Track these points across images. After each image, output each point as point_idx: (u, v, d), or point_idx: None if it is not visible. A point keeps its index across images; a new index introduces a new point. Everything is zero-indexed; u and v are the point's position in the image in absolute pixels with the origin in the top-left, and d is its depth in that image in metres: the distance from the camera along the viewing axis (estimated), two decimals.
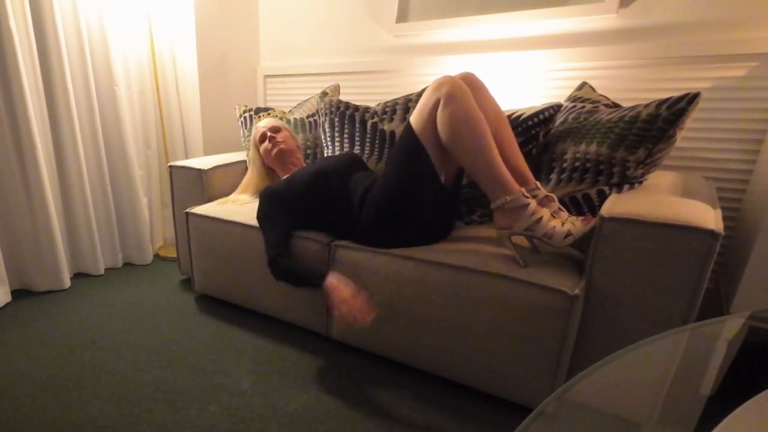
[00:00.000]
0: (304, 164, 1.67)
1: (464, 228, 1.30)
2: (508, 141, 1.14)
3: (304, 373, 1.25)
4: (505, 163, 1.07)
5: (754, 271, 1.12)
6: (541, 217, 1.01)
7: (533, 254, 1.12)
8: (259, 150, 1.61)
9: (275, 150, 1.55)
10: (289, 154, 1.59)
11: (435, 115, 1.09)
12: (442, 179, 1.16)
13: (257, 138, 1.61)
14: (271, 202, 1.36)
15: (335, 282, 1.12)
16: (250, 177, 1.68)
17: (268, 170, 1.65)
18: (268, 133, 1.58)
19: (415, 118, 1.14)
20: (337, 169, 1.37)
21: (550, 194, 1.09)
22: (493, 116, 1.13)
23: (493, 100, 1.18)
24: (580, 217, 1.04)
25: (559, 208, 1.07)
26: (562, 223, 1.01)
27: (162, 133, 2.09)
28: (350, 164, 1.45)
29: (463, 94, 1.06)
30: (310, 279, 1.17)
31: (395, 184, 1.16)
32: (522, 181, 1.10)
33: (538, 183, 1.10)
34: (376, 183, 1.24)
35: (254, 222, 1.44)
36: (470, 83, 1.16)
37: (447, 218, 1.25)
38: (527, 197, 1.03)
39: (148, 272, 1.96)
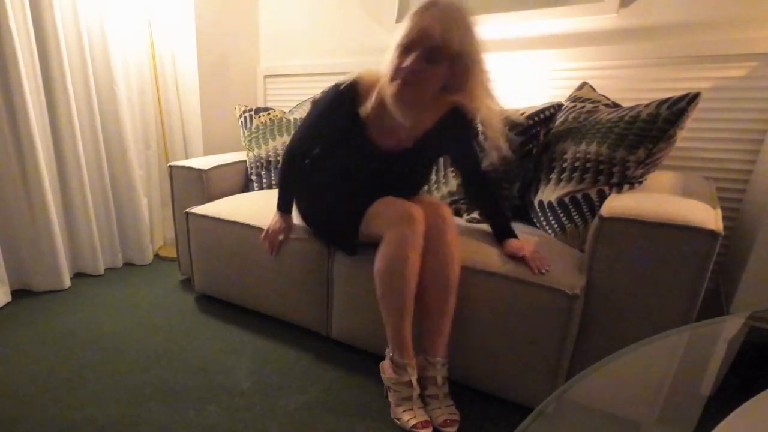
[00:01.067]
0: (436, 113, 1.12)
1: (464, 227, 1.30)
2: (440, 307, 1.05)
3: (304, 373, 1.25)
4: (424, 322, 1.07)
5: (754, 271, 1.12)
6: (395, 406, 1.06)
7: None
8: (394, 55, 1.00)
9: (403, 87, 0.98)
10: (415, 95, 1.00)
11: (380, 227, 1.05)
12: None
13: (402, 40, 0.96)
14: (336, 106, 1.11)
15: (273, 217, 1.34)
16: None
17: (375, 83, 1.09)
18: (419, 51, 0.94)
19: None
20: (383, 182, 1.17)
21: (442, 378, 1.06)
22: (441, 273, 1.04)
23: (452, 253, 1.05)
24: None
25: (441, 395, 1.05)
26: (408, 420, 1.01)
27: (162, 133, 2.09)
28: (403, 184, 1.20)
29: (404, 254, 1.00)
30: (278, 201, 1.33)
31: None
32: (428, 345, 1.06)
33: (440, 360, 1.05)
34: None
35: (254, 222, 1.44)
36: (435, 222, 1.05)
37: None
38: (407, 374, 1.04)
39: (148, 272, 1.96)
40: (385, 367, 1.11)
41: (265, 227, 1.39)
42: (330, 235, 1.27)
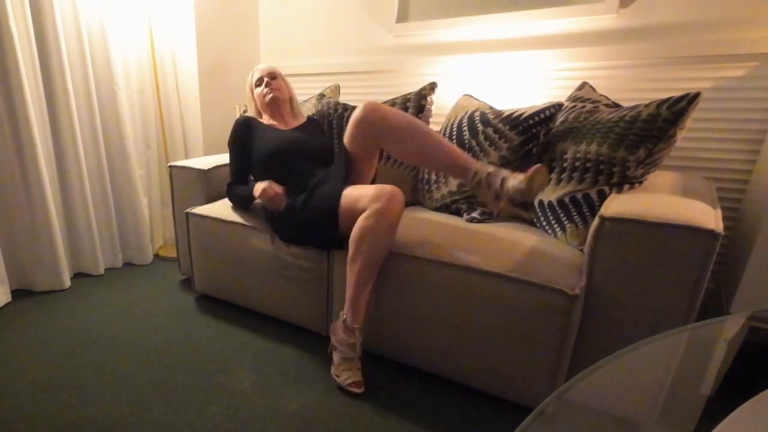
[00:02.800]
0: (302, 116, 1.68)
1: (464, 227, 1.30)
2: (440, 142, 1.18)
3: (304, 373, 1.25)
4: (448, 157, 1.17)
5: (754, 271, 1.13)
6: (337, 364, 1.20)
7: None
8: (253, 94, 1.62)
9: (269, 96, 1.56)
10: (281, 102, 1.59)
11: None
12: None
13: (254, 82, 1.61)
14: (239, 132, 1.51)
15: (258, 185, 1.37)
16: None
17: (259, 115, 1.65)
18: (265, 78, 1.58)
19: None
20: (302, 151, 1.46)
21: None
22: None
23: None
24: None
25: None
26: (346, 379, 1.17)
27: (162, 133, 2.09)
28: (321, 152, 1.50)
29: (383, 227, 1.12)
30: (249, 196, 1.42)
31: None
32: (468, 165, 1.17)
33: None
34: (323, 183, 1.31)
35: (253, 222, 1.44)
36: (375, 112, 1.22)
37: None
38: (354, 337, 1.16)
39: (148, 272, 1.96)
40: (337, 328, 1.20)
41: (263, 227, 1.39)
42: (311, 236, 1.30)
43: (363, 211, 1.14)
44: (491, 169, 1.12)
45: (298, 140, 1.48)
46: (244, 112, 1.95)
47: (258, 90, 1.58)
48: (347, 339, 1.17)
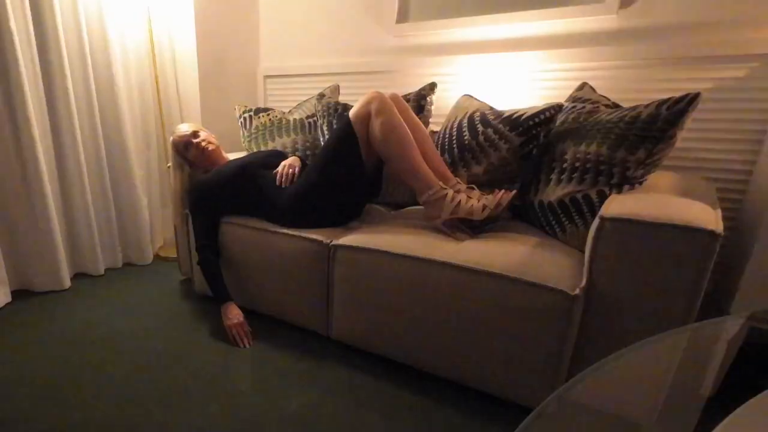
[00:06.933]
0: (228, 158, 1.71)
1: None
2: (431, 150, 1.33)
3: (304, 373, 1.25)
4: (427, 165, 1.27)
5: (754, 271, 1.13)
6: (459, 201, 1.21)
7: (472, 236, 1.25)
8: (186, 157, 1.63)
9: (210, 146, 1.61)
10: (218, 151, 1.65)
11: (365, 122, 1.28)
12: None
13: (180, 148, 1.61)
14: (202, 191, 1.51)
15: (228, 308, 1.43)
16: (178, 184, 1.66)
17: (196, 171, 1.68)
18: (192, 141, 1.59)
19: (352, 115, 1.31)
20: (259, 160, 1.54)
21: (471, 185, 1.32)
22: (416, 130, 1.33)
23: (416, 117, 1.38)
24: (496, 191, 1.23)
25: (481, 194, 1.26)
26: (478, 200, 1.21)
27: (162, 133, 2.09)
28: (274, 156, 1.61)
29: (390, 108, 1.26)
30: (217, 295, 1.46)
31: (323, 165, 1.34)
32: (444, 180, 1.29)
33: (458, 179, 1.31)
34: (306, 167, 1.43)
35: (252, 222, 1.44)
36: (396, 102, 1.35)
37: (360, 202, 1.48)
38: (444, 188, 1.24)
39: (148, 272, 1.96)
40: (430, 214, 1.26)
41: (266, 228, 1.39)
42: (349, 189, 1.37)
43: (367, 114, 1.27)
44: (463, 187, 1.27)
45: (253, 156, 1.56)
46: (243, 112, 1.95)
47: (191, 153, 1.60)
48: (439, 193, 1.22)
